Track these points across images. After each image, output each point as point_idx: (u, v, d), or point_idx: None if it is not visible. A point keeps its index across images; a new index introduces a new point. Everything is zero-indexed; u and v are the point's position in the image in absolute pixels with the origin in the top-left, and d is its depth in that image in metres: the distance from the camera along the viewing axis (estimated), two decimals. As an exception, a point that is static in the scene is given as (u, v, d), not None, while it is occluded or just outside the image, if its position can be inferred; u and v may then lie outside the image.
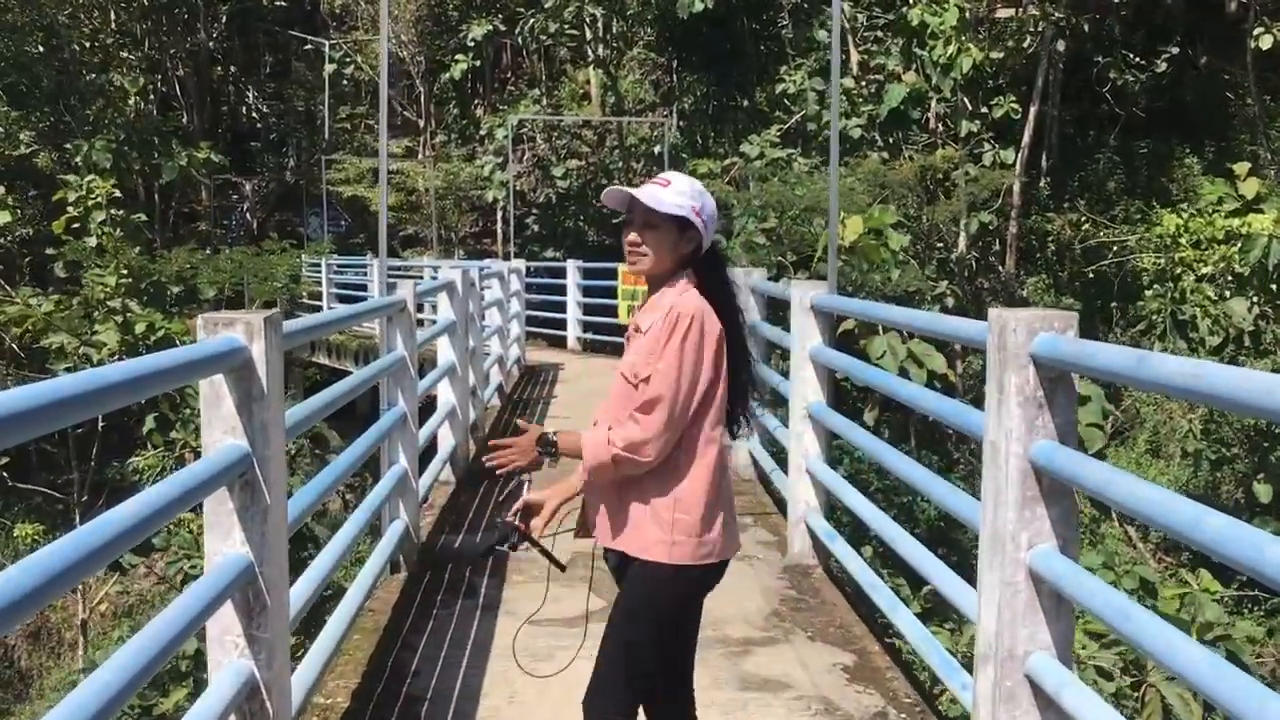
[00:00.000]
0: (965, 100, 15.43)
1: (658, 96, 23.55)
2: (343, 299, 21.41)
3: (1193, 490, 12.74)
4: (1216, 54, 17.57)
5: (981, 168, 15.20)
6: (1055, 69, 16.73)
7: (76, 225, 17.16)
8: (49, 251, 18.07)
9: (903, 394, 4.17)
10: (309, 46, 28.89)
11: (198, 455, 2.84)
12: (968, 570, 3.78)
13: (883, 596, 4.32)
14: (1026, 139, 16.16)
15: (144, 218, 20.17)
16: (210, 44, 29.77)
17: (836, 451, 8.65)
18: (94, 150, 21.45)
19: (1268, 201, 12.71)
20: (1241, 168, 13.25)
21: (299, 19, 29.99)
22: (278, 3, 28.96)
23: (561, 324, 17.02)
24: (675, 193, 2.60)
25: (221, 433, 2.75)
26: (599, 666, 2.64)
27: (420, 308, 5.98)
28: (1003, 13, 15.98)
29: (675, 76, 22.63)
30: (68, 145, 22.58)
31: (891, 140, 16.29)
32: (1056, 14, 15.43)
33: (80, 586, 13.81)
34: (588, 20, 21.64)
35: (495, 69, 27.63)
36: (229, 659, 2.79)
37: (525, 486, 2.75)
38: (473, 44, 23.77)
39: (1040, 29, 15.66)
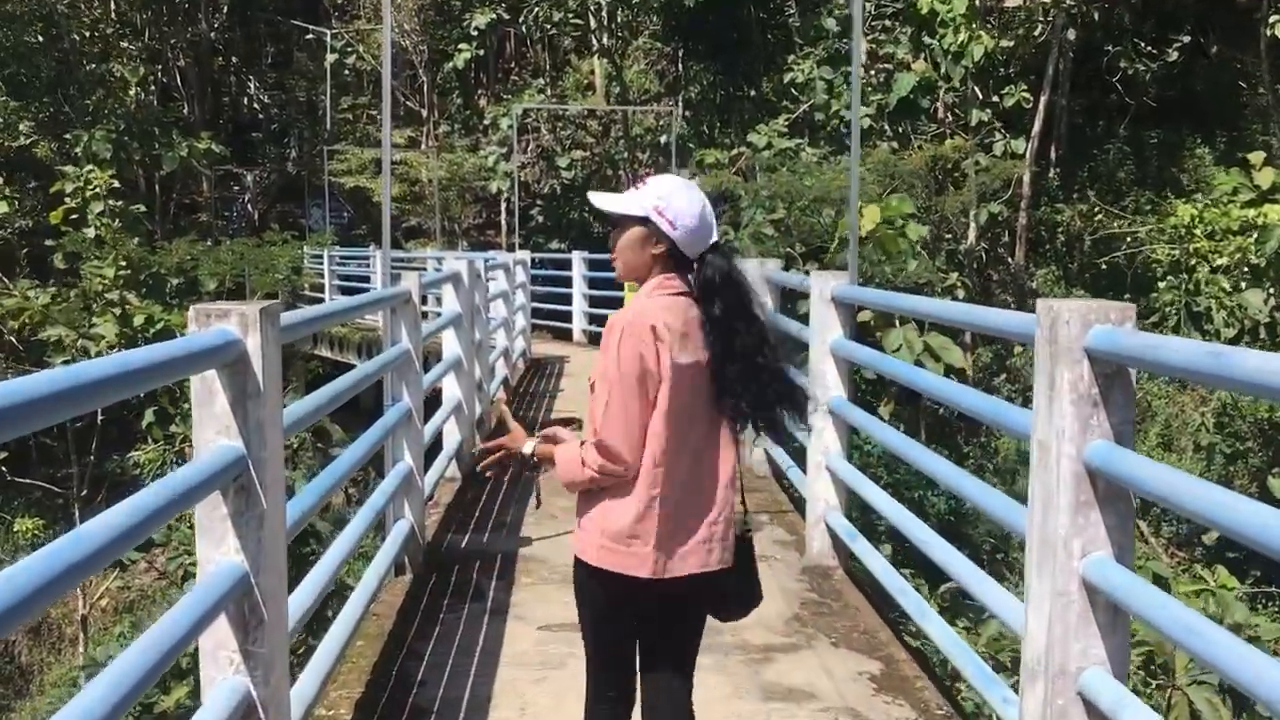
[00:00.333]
0: (975, 89, 15.24)
1: (663, 86, 23.35)
2: (345, 291, 21.30)
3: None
4: (1228, 43, 17.35)
5: (992, 158, 15.00)
6: (1065, 58, 16.52)
7: (75, 216, 16.98)
8: (48, 243, 17.93)
9: (935, 390, 3.97)
10: (311, 36, 28.67)
11: (198, 450, 2.65)
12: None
13: (911, 601, 4.13)
14: (1036, 129, 15.96)
15: (143, 209, 20.02)
16: (211, 34, 29.59)
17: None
18: (94, 141, 21.30)
19: (1284, 191, 12.55)
20: (1257, 157, 13.07)
21: (300, 8, 29.79)
22: (279, -8, 28.86)
23: (567, 316, 16.86)
24: (638, 192, 2.59)
25: (214, 433, 2.54)
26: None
27: (424, 300, 5.79)
28: (1012, 1, 15.77)
29: (681, 66, 22.43)
30: (67, 136, 22.40)
31: (901, 130, 16.11)
32: (1067, 2, 15.22)
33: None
34: (592, 9, 21.45)
35: (499, 58, 27.43)
36: (223, 676, 2.59)
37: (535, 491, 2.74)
38: (476, 33, 23.57)
39: (1050, 17, 15.46)
